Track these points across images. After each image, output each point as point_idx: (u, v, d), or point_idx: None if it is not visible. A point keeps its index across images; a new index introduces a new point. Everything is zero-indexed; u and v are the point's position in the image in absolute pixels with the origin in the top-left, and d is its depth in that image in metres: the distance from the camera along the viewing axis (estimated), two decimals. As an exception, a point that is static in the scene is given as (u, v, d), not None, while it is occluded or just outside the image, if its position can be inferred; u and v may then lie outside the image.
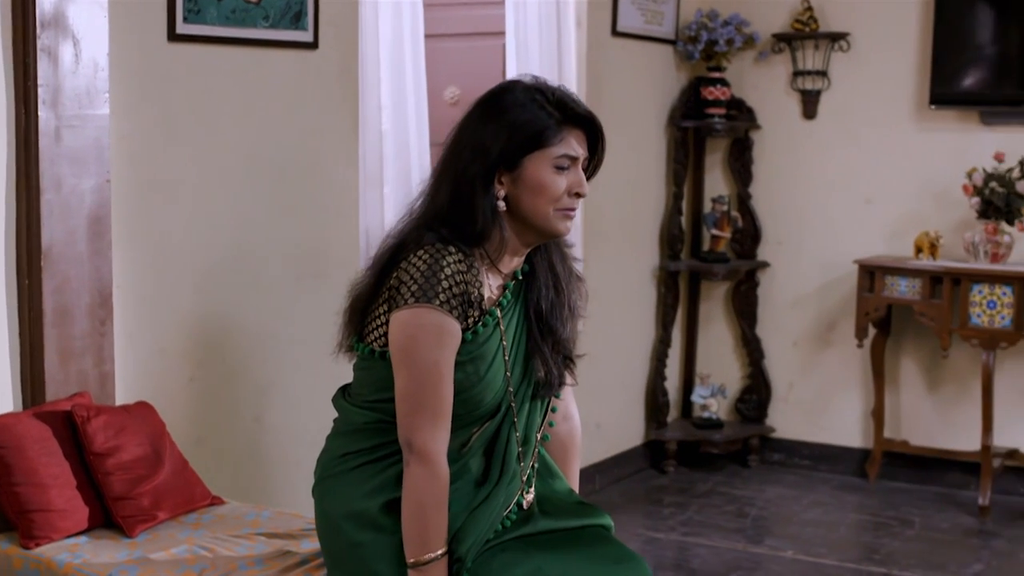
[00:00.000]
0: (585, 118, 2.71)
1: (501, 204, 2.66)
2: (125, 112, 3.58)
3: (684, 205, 6.32)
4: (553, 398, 2.87)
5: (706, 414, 6.30)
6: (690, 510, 5.64)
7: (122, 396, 3.60)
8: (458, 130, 2.72)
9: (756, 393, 6.39)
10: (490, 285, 2.71)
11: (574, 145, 2.68)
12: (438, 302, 2.57)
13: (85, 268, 3.45)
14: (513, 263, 2.75)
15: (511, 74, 5.38)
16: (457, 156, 2.68)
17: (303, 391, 4.20)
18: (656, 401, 6.27)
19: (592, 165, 2.78)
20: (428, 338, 2.57)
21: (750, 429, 6.34)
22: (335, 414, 4.31)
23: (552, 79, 5.54)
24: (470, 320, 2.65)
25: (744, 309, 6.37)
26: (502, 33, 5.48)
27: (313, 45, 4.16)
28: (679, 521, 5.48)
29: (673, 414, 6.45)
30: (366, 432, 2.76)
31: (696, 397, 6.33)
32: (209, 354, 3.90)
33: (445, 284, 2.58)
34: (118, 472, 3.24)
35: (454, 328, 2.60)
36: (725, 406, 6.45)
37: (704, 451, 6.29)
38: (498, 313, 2.71)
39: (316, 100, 4.21)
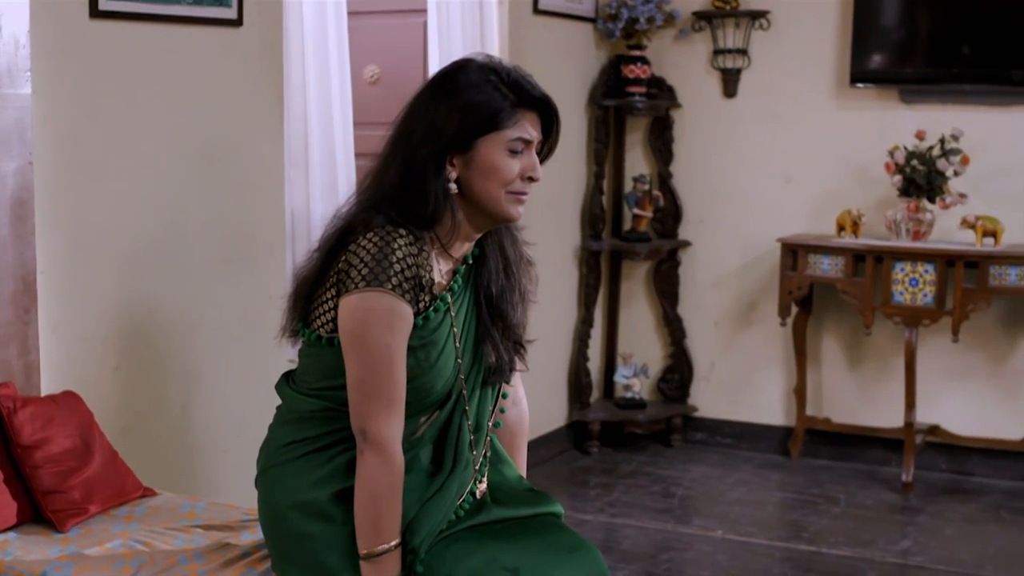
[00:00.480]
0: (540, 100, 2.64)
1: (452, 187, 2.59)
2: (47, 91, 3.45)
3: (605, 184, 6.28)
4: (503, 384, 2.81)
5: (629, 394, 6.28)
6: (616, 491, 5.62)
7: (47, 386, 3.47)
8: (408, 109, 2.65)
9: (678, 372, 6.38)
10: (440, 270, 2.65)
11: (528, 128, 2.62)
12: (390, 286, 2.50)
13: (8, 254, 3.32)
14: (464, 248, 2.69)
15: (432, 53, 5.29)
16: (407, 136, 2.60)
17: (230, 377, 4.10)
18: (579, 382, 6.23)
19: (546, 149, 2.72)
20: (380, 323, 2.50)
21: (672, 409, 6.33)
22: (262, 400, 4.22)
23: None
24: (421, 305, 2.58)
25: (666, 288, 6.35)
26: (423, 11, 5.40)
27: (237, 22, 4.05)
28: (606, 502, 5.45)
29: (595, 395, 6.42)
30: (313, 421, 2.68)
31: (619, 377, 6.30)
32: (135, 341, 3.78)
33: (397, 267, 2.51)
34: (47, 465, 3.12)
35: (406, 312, 2.53)
36: (647, 386, 6.43)
37: (627, 431, 6.28)
38: (448, 298, 2.64)
39: (240, 79, 4.10)
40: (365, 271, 2.51)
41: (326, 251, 2.64)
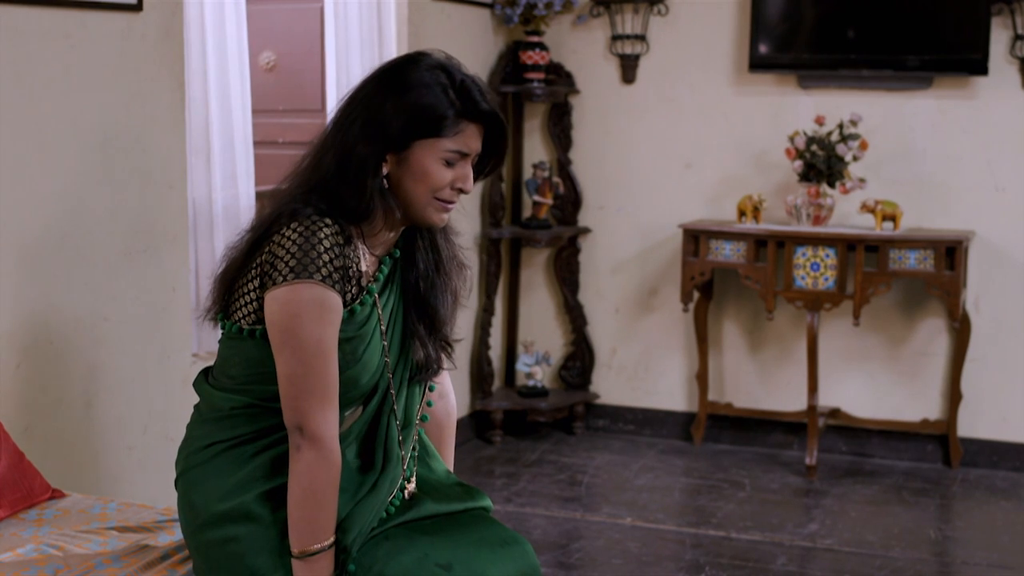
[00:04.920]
0: (487, 115, 2.58)
1: (383, 182, 2.54)
2: (-58, 78, 3.31)
3: (505, 171, 6.24)
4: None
5: (531, 382, 6.24)
6: (522, 480, 5.58)
7: (-53, 386, 3.34)
8: (352, 96, 2.58)
9: (580, 360, 6.36)
10: (365, 262, 2.59)
11: (468, 142, 2.56)
12: (319, 276, 2.44)
13: (-96, 248, 3.18)
14: (388, 242, 2.64)
15: (329, 39, 5.19)
16: (347, 128, 2.54)
17: (133, 372, 3.97)
18: (481, 371, 6.18)
19: (491, 164, 2.67)
20: (311, 315, 2.43)
21: (575, 396, 6.31)
22: (166, 395, 4.12)
23: (372, 44, 5.38)
24: (348, 296, 2.52)
25: (566, 276, 6.33)
26: (321, -4, 5.30)
27: (137, 7, 3.92)
28: (513, 492, 5.41)
29: (497, 383, 6.37)
30: (236, 418, 2.60)
31: (521, 365, 6.27)
32: (36, 337, 3.65)
33: (325, 257, 2.45)
34: (-49, 468, 3.00)
35: (336, 303, 2.47)
36: (549, 374, 6.41)
37: (530, 420, 6.24)
38: (375, 290, 2.59)
39: (140, 65, 3.97)
40: (293, 263, 2.45)
41: (254, 237, 2.57)
